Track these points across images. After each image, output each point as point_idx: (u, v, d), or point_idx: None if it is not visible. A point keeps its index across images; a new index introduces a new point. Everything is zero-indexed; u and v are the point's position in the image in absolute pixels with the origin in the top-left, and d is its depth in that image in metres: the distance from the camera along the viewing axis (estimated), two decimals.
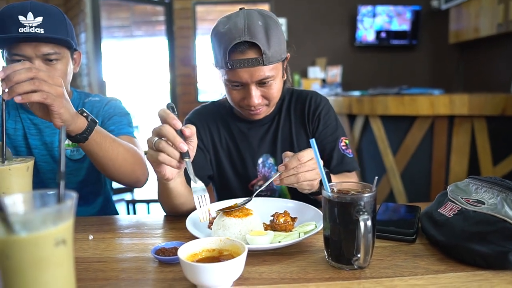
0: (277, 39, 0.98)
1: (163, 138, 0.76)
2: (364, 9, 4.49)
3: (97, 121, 0.94)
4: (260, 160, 1.17)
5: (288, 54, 1.09)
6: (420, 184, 2.72)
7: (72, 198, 0.47)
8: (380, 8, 4.49)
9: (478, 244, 0.65)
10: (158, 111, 0.78)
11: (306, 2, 4.65)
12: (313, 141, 0.70)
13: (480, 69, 3.99)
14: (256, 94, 1.01)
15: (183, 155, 0.76)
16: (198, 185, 0.78)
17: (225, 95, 1.14)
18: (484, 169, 2.43)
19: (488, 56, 3.84)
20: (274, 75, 1.00)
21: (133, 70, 6.05)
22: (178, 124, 0.76)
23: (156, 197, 0.98)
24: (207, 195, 0.78)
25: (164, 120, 0.76)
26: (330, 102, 1.21)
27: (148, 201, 2.27)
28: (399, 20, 4.54)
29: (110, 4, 4.97)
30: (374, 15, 4.51)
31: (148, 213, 2.18)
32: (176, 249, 0.73)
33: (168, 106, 0.80)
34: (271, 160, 1.17)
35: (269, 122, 1.18)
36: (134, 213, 2.23)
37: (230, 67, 0.96)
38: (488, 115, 2.35)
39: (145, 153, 0.96)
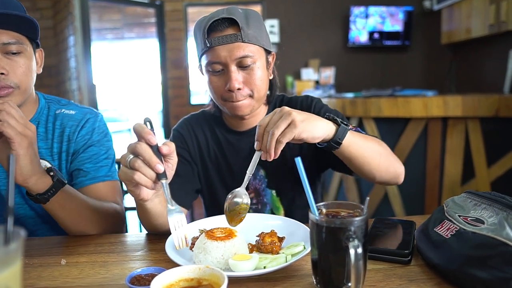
0: (257, 24, 0.98)
1: (138, 157, 0.70)
2: (356, 10, 4.46)
3: (65, 181, 0.83)
4: None
5: (274, 53, 1.06)
6: (415, 186, 2.68)
7: (20, 238, 0.41)
8: (372, 9, 4.46)
9: (478, 269, 0.60)
10: (133, 125, 0.72)
11: (298, 3, 4.60)
12: (298, 160, 0.64)
13: (472, 70, 3.98)
14: (236, 76, 0.96)
15: (160, 176, 0.70)
16: (174, 208, 0.71)
17: (210, 96, 1.09)
18: (478, 171, 2.40)
19: (480, 56, 3.82)
20: (255, 59, 0.96)
21: (124, 73, 5.96)
22: (153, 140, 0.69)
23: None
24: (184, 218, 0.72)
25: (139, 135, 0.70)
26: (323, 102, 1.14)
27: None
28: (391, 20, 4.51)
29: (101, 6, 4.89)
30: (366, 16, 4.48)
31: (139, 222, 2.14)
32: (153, 276, 0.67)
33: (145, 121, 0.72)
34: (262, 172, 1.11)
35: None
36: None
37: (209, 44, 0.94)
38: (481, 116, 2.32)
39: (118, 167, 0.88)
